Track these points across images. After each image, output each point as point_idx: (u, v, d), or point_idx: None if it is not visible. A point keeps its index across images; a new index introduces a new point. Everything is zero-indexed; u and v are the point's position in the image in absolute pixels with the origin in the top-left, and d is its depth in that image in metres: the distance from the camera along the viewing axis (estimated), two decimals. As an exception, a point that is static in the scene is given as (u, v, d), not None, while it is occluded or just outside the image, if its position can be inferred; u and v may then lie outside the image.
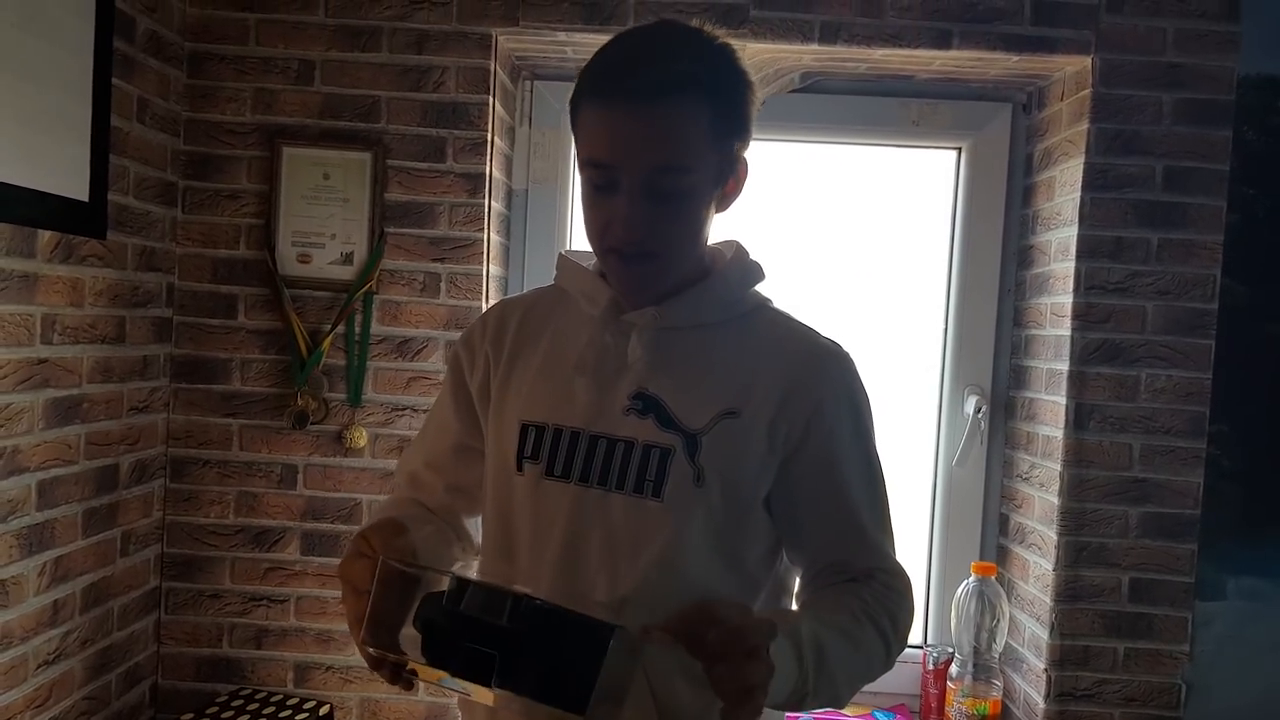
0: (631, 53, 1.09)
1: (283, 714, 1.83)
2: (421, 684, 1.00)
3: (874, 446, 1.19)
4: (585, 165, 1.10)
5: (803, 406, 1.13)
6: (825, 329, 1.21)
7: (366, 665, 1.02)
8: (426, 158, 1.92)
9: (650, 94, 1.04)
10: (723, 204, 1.16)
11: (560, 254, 1.28)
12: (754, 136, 2.00)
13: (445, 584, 0.94)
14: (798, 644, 0.99)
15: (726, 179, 1.13)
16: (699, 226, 1.13)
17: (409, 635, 0.95)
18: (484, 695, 0.93)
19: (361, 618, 0.99)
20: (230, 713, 1.85)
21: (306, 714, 1.82)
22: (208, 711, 1.85)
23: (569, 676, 0.88)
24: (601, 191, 1.08)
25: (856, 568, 1.15)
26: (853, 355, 1.19)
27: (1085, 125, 1.86)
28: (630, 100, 1.04)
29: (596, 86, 1.07)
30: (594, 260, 1.22)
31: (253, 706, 1.87)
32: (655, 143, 1.05)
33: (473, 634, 0.91)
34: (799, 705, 1.04)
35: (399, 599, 0.97)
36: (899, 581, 1.15)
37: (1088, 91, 1.86)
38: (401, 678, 1.00)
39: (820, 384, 1.15)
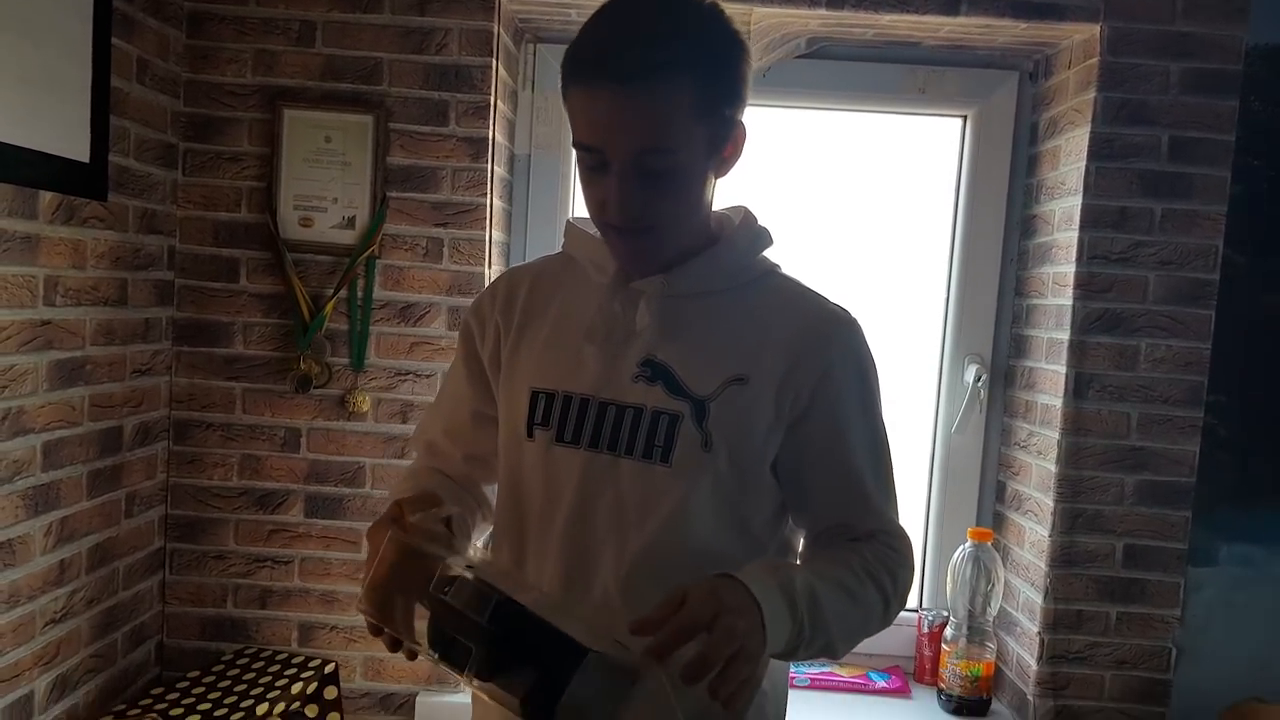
0: (612, 32, 1.07)
1: (287, 672, 1.86)
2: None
3: (880, 412, 1.20)
4: (576, 147, 1.10)
5: (810, 373, 1.14)
6: (828, 292, 1.22)
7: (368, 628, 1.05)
8: (429, 121, 1.91)
9: (630, 77, 1.02)
10: (722, 170, 1.15)
11: (568, 221, 1.28)
12: (760, 103, 1.99)
13: (440, 570, 0.96)
14: (791, 597, 1.01)
15: (722, 146, 1.12)
16: (695, 198, 1.13)
17: (419, 611, 0.98)
18: (479, 690, 0.96)
19: (376, 583, 1.01)
20: (236, 670, 1.87)
21: (311, 672, 1.85)
22: (213, 670, 1.88)
23: (538, 687, 0.89)
24: (594, 171, 1.09)
25: (859, 530, 1.16)
26: (860, 322, 1.20)
27: (1092, 94, 1.85)
28: (610, 84, 1.03)
29: (578, 69, 1.06)
30: None
31: (258, 665, 1.89)
32: (638, 127, 1.04)
33: (455, 625, 0.93)
34: (792, 655, 1.06)
35: (410, 574, 0.99)
36: (900, 543, 1.17)
37: (1095, 60, 1.85)
38: (402, 647, 1.03)
39: (828, 350, 1.15)
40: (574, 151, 1.11)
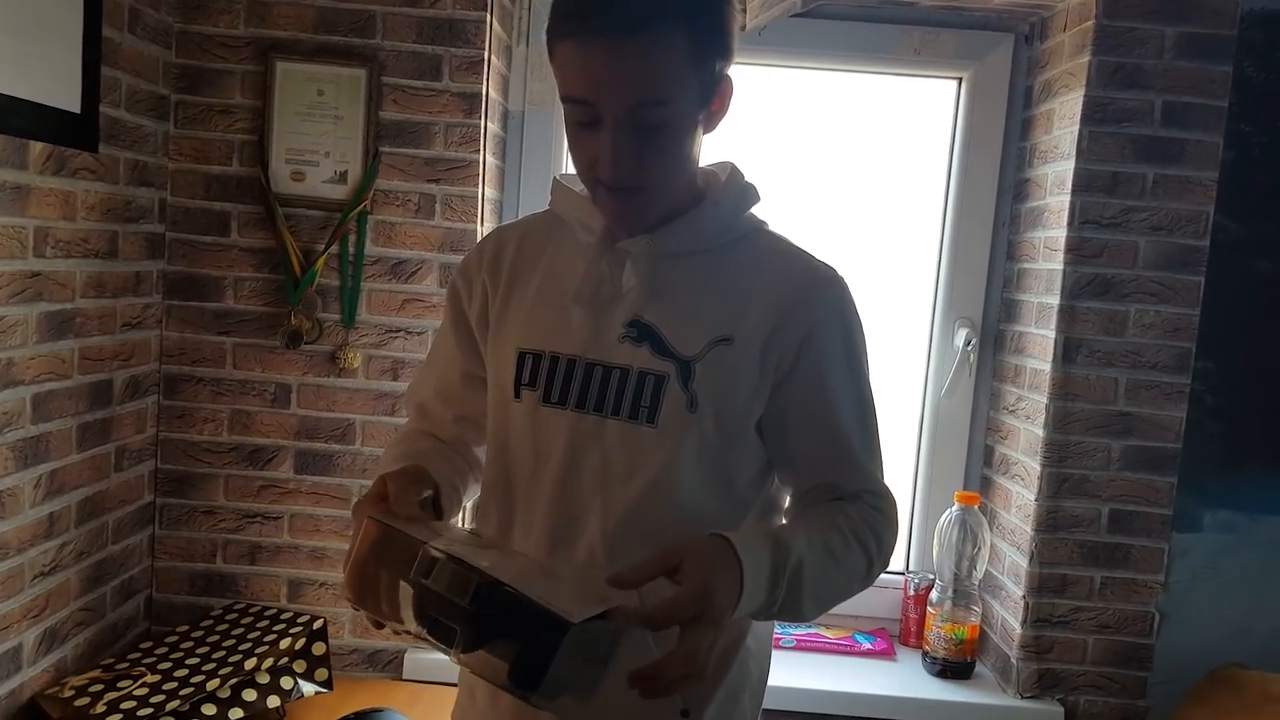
0: None
1: (276, 627, 1.86)
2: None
3: (866, 371, 1.20)
4: (565, 100, 1.08)
5: (796, 332, 1.14)
6: (821, 253, 1.21)
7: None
8: (422, 76, 1.89)
9: (624, 29, 1.01)
10: (710, 124, 1.14)
11: (555, 178, 1.27)
12: (755, 62, 1.99)
13: (421, 554, 0.97)
14: (777, 576, 1.02)
15: (710, 100, 1.11)
16: (685, 154, 1.12)
17: (404, 589, 0.98)
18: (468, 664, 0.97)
19: (358, 561, 1.01)
20: (225, 625, 1.88)
21: (300, 628, 1.85)
22: (202, 624, 1.89)
23: (523, 663, 0.90)
24: (585, 128, 1.07)
25: (845, 489, 1.17)
26: (847, 279, 1.19)
27: (1086, 58, 1.85)
28: (604, 37, 1.02)
29: (568, 23, 1.04)
30: None
31: (246, 620, 1.90)
32: (633, 78, 1.03)
33: (438, 607, 0.94)
34: (760, 618, 1.08)
35: (392, 555, 0.99)
36: (885, 503, 1.17)
37: (1090, 23, 1.85)
38: (386, 625, 1.03)
39: (813, 309, 1.15)
40: (564, 105, 1.09)
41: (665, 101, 1.05)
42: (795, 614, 1.08)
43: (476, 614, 0.92)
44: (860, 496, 1.16)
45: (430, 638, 0.95)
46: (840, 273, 1.19)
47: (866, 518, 1.14)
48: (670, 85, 1.04)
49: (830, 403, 1.16)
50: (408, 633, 0.99)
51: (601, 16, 1.01)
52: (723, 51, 1.10)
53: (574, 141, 1.11)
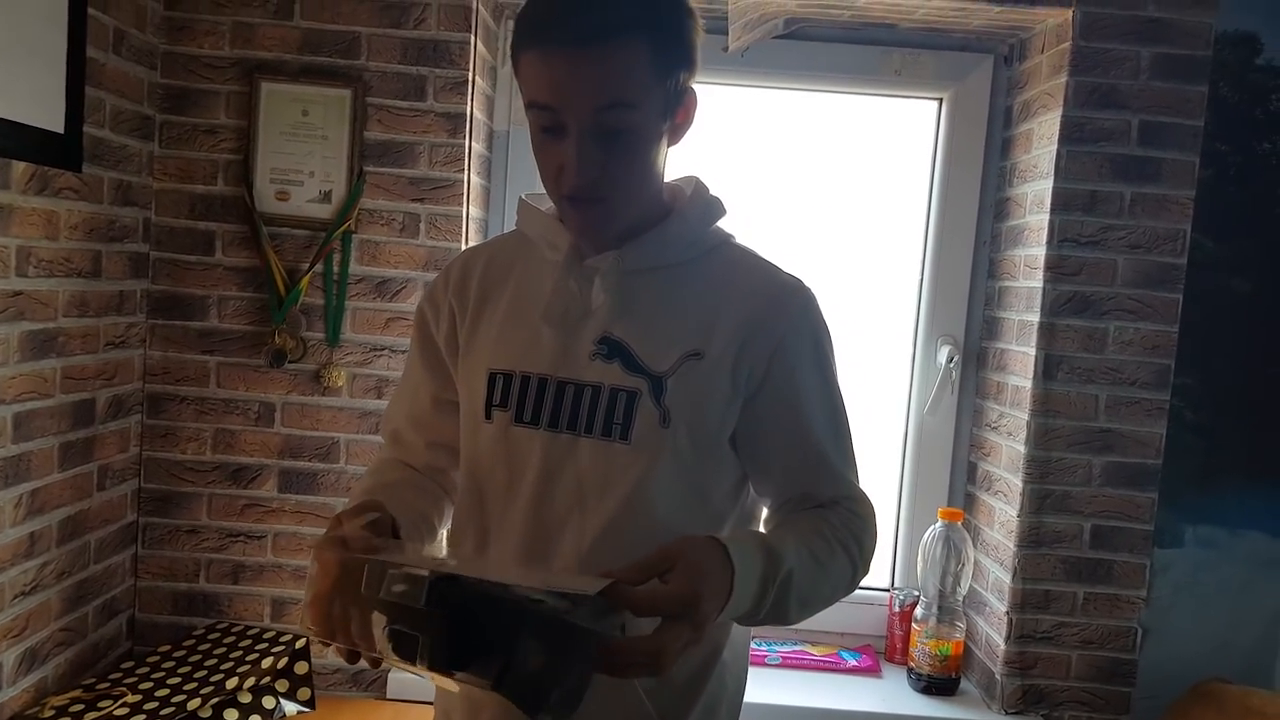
0: None
1: (259, 647, 1.86)
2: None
3: (836, 379, 1.21)
4: (530, 107, 1.09)
5: (765, 344, 1.14)
6: (800, 272, 1.22)
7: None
8: (407, 96, 1.91)
9: (587, 38, 1.03)
10: (674, 137, 1.16)
11: (520, 198, 1.27)
12: (738, 83, 2.01)
13: (369, 572, 0.94)
14: (765, 586, 1.03)
15: (675, 111, 1.13)
16: (650, 164, 1.13)
17: (375, 618, 0.94)
18: (444, 682, 0.93)
19: (319, 597, 0.99)
20: (207, 645, 1.87)
21: (283, 647, 1.85)
22: (184, 644, 1.88)
23: (493, 653, 0.87)
24: (550, 134, 1.08)
25: (823, 497, 1.17)
26: (813, 290, 1.20)
27: (1064, 78, 1.87)
28: (568, 45, 1.03)
29: (534, 34, 1.06)
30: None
31: (229, 640, 1.89)
32: (597, 83, 1.04)
33: (403, 619, 0.91)
34: (744, 623, 1.10)
35: (352, 585, 0.96)
36: (863, 508, 1.18)
37: (1068, 44, 1.87)
38: (360, 656, 1.00)
39: (781, 320, 1.16)
40: (528, 115, 1.10)
41: (629, 105, 1.06)
42: (781, 620, 1.09)
43: (433, 614, 0.88)
44: (839, 503, 1.17)
45: (395, 655, 0.92)
46: (806, 283, 1.20)
47: (848, 523, 1.15)
48: (634, 90, 1.06)
49: (803, 412, 1.17)
50: (378, 658, 0.96)
51: (565, 25, 1.04)
52: (686, 63, 1.11)
53: (539, 152, 1.12)
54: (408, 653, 0.91)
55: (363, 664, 1.01)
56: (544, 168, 1.12)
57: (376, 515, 1.09)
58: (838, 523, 1.14)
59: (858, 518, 1.17)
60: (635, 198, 1.14)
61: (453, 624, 0.88)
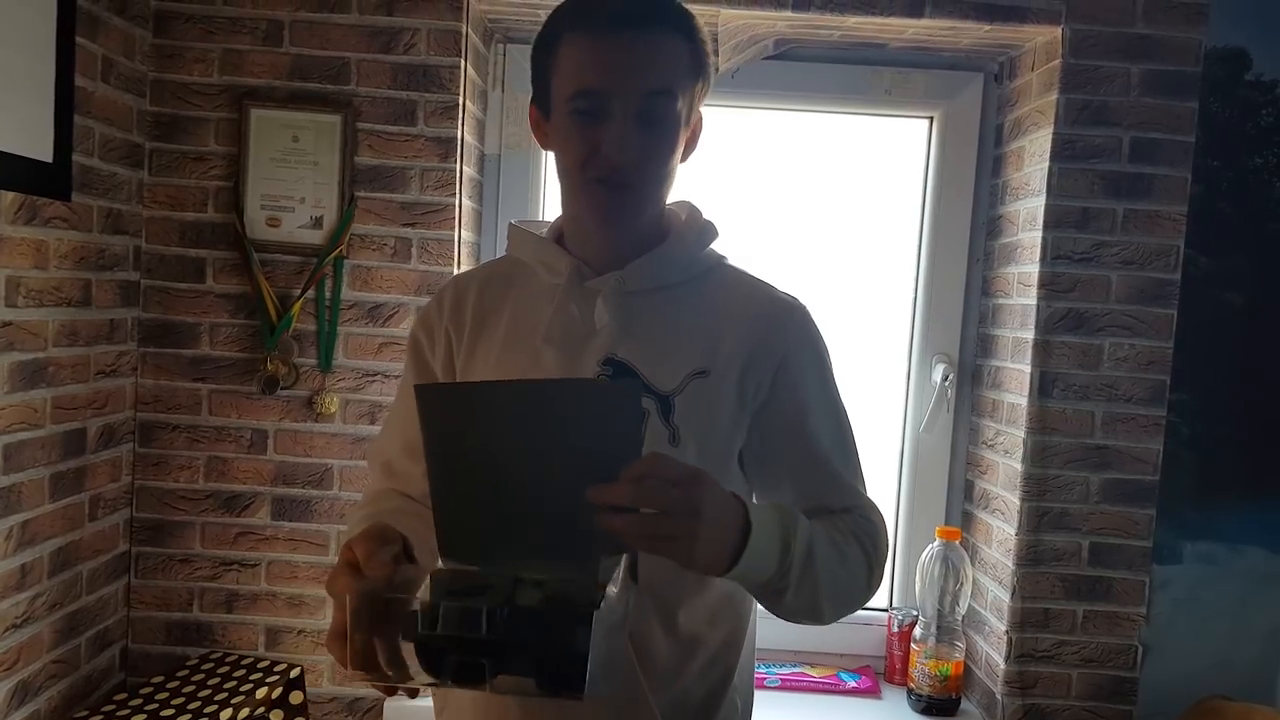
0: None
1: (253, 676, 1.84)
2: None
3: (837, 391, 1.23)
4: (573, 97, 1.10)
5: (768, 362, 1.16)
6: (794, 292, 1.25)
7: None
8: (397, 121, 1.90)
9: (640, 20, 1.08)
10: (685, 152, 1.19)
11: (510, 224, 1.29)
12: (729, 104, 2.03)
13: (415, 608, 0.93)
14: (788, 531, 1.01)
15: (691, 121, 1.16)
16: (672, 167, 1.16)
17: (406, 648, 0.94)
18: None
19: (341, 633, 0.97)
20: (201, 675, 1.85)
21: (277, 676, 1.83)
22: (178, 674, 1.86)
23: (561, 666, 0.88)
24: (590, 118, 1.09)
25: (833, 507, 1.17)
26: (809, 307, 1.23)
27: (1054, 95, 1.88)
28: (623, 27, 1.08)
29: (582, 18, 1.10)
30: (546, 229, 1.24)
31: (223, 669, 1.88)
32: (649, 65, 1.08)
33: (458, 648, 0.91)
34: (778, 599, 1.05)
35: (384, 620, 0.95)
36: (874, 515, 1.19)
37: (1057, 62, 1.87)
38: (397, 690, 0.99)
39: (783, 339, 1.18)
40: (567, 104, 1.11)
41: (673, 95, 1.10)
42: (812, 600, 1.06)
43: (499, 641, 0.89)
44: (850, 511, 1.17)
45: (460, 684, 0.92)
46: (802, 301, 1.23)
47: (860, 525, 1.15)
48: (678, 80, 1.11)
49: (809, 426, 1.18)
50: (415, 688, 0.96)
51: (618, 8, 1.08)
52: (706, 75, 1.16)
53: (572, 137, 1.12)
54: (471, 677, 0.91)
55: (359, 692, 0.99)
56: (574, 151, 1.12)
57: (397, 548, 1.05)
58: (850, 523, 1.15)
59: (869, 523, 1.17)
60: (658, 195, 1.17)
61: (518, 646, 0.89)
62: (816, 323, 1.23)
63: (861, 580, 1.13)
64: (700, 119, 1.19)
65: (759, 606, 1.27)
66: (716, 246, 1.24)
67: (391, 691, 1.00)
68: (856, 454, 1.23)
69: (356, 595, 0.96)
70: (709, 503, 0.93)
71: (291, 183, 1.90)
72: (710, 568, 0.96)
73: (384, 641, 0.94)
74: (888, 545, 1.18)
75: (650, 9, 1.09)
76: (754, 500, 1.22)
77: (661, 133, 1.11)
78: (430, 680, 0.93)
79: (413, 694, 0.99)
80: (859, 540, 1.12)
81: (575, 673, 0.87)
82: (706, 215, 1.25)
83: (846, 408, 1.23)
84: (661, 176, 1.14)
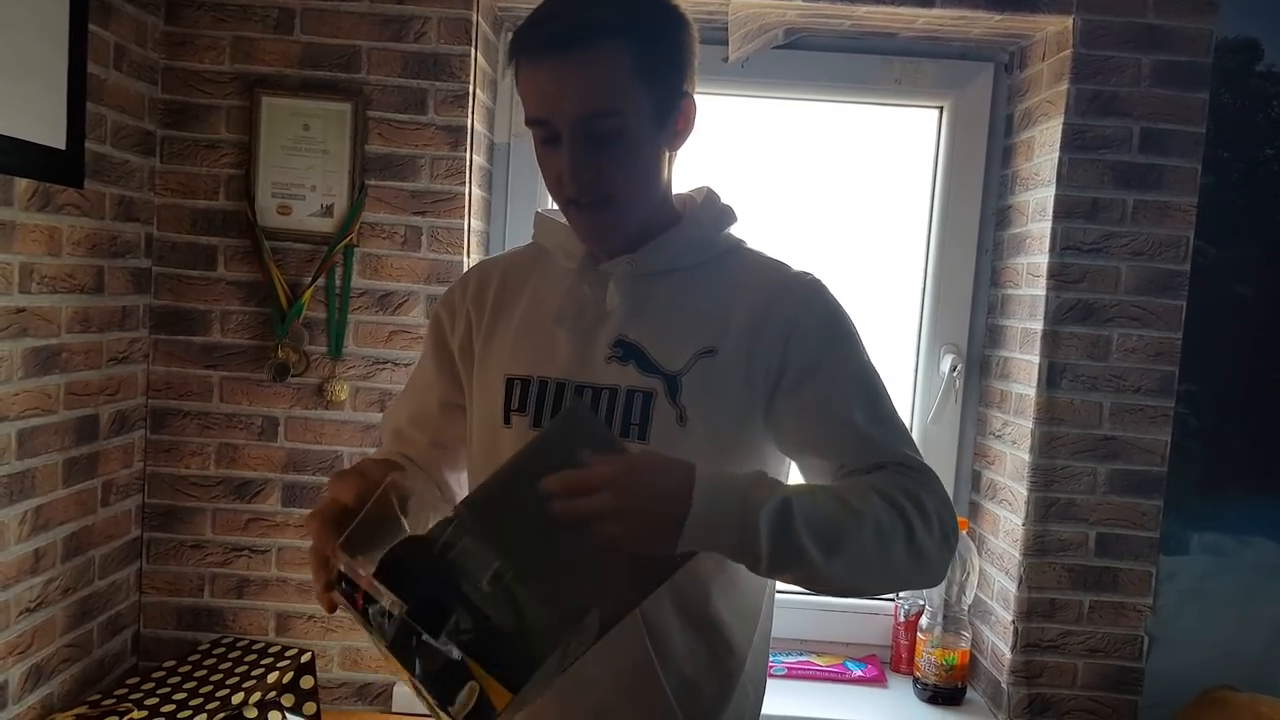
0: (551, 8, 1.11)
1: (264, 661, 1.85)
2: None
3: (863, 353, 1.18)
4: (529, 124, 1.12)
5: (778, 335, 1.14)
6: (793, 262, 1.23)
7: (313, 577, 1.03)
8: (407, 109, 1.91)
9: (565, 44, 1.06)
10: (675, 144, 1.17)
11: (537, 212, 1.30)
12: (738, 93, 2.01)
13: (434, 527, 0.95)
14: (748, 494, 0.98)
15: (672, 118, 1.14)
16: (649, 168, 1.14)
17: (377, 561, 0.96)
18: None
19: (324, 524, 1.01)
20: (212, 660, 1.87)
21: (288, 661, 1.84)
22: (189, 659, 1.88)
23: (518, 655, 0.90)
24: (548, 146, 1.11)
25: (863, 470, 1.12)
26: (821, 279, 1.20)
27: (1065, 86, 1.87)
28: (549, 53, 1.07)
29: (520, 46, 1.10)
30: None
31: (234, 654, 1.89)
32: (580, 90, 1.06)
33: (445, 583, 0.92)
34: (759, 555, 0.99)
35: (375, 531, 0.98)
36: (917, 471, 1.10)
37: (1068, 52, 1.87)
38: (332, 597, 1.00)
39: (791, 309, 1.15)
40: (531, 131, 1.13)
41: (615, 112, 1.08)
42: (805, 559, 0.98)
43: (490, 595, 0.91)
44: (885, 467, 1.10)
45: (415, 617, 0.93)
46: (815, 275, 1.21)
47: (895, 478, 1.08)
48: (616, 96, 1.07)
49: (832, 392, 1.13)
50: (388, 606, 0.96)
51: (545, 36, 1.07)
52: (676, 69, 1.13)
53: (543, 164, 1.14)
54: (431, 621, 0.92)
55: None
56: (548, 179, 1.14)
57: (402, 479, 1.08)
58: (881, 478, 1.07)
59: (910, 476, 1.09)
60: (638, 201, 1.15)
61: (500, 614, 0.91)
62: (830, 291, 1.19)
63: (898, 539, 1.03)
64: (691, 105, 1.15)
65: (775, 596, 1.28)
66: (735, 231, 1.24)
67: (331, 605, 1.02)
68: (895, 417, 1.16)
69: (386, 490, 1.00)
70: (638, 475, 0.96)
71: (302, 171, 1.90)
72: (655, 540, 0.96)
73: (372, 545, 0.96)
74: (941, 500, 1.08)
75: (581, 27, 1.06)
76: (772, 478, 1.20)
77: (616, 149, 1.09)
78: (395, 597, 0.92)
79: (330, 609, 1.02)
80: (883, 495, 1.04)
81: (528, 666, 0.89)
82: (725, 200, 1.25)
83: (879, 372, 1.18)
84: (636, 185, 1.13)
